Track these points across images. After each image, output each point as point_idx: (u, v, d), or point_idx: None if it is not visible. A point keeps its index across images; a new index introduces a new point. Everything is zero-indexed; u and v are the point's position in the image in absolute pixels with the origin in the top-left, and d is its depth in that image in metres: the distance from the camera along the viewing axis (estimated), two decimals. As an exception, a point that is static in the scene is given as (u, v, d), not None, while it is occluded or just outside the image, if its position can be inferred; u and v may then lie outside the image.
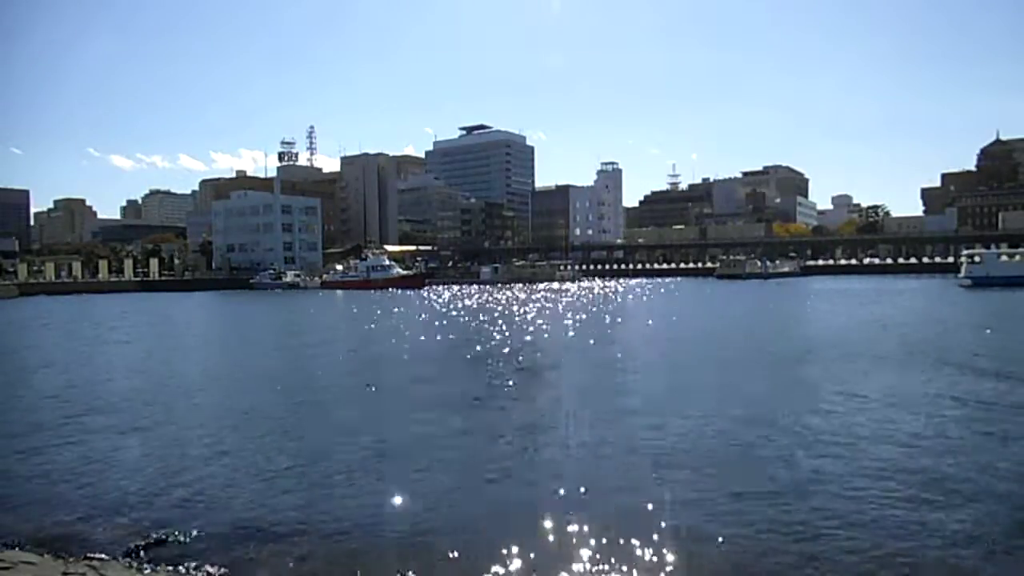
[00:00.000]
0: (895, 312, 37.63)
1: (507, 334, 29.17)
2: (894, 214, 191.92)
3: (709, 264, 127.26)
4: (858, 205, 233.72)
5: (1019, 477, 9.08)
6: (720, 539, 7.22)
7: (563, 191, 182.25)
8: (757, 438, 11.16)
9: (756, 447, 10.68)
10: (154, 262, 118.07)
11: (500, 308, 47.53)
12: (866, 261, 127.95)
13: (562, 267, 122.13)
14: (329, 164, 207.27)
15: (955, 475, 9.12)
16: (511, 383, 17.22)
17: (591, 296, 63.37)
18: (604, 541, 7.18)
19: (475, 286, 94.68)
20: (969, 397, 14.08)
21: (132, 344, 29.97)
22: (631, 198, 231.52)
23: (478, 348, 24.48)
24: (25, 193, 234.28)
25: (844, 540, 7.14)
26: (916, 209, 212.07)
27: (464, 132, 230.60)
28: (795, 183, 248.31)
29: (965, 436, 11.15)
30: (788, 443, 10.85)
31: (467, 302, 56.43)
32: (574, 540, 7.28)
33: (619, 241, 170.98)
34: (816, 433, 11.36)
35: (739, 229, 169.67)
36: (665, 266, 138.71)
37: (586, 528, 7.51)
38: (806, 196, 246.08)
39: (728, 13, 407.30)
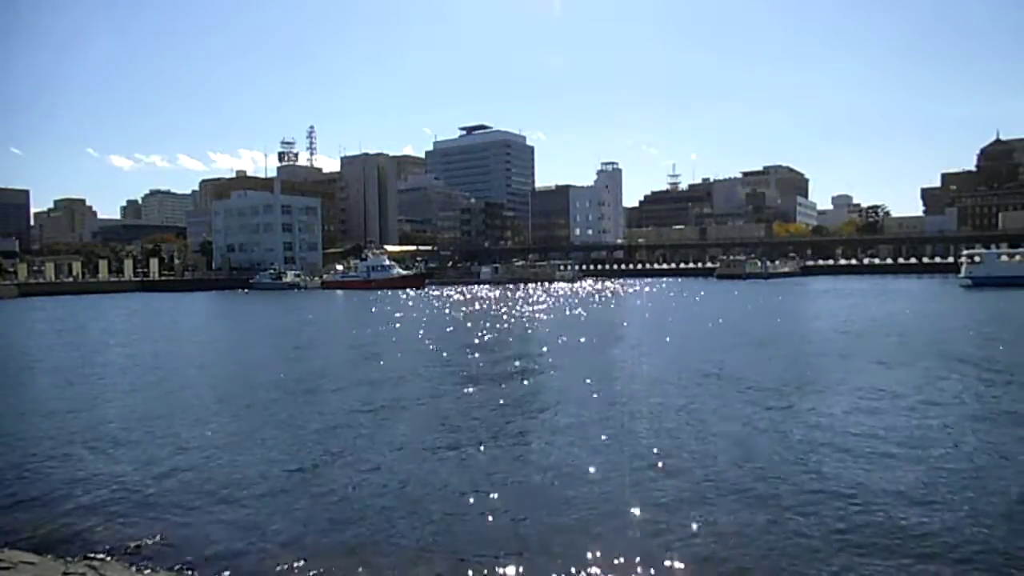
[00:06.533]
0: (898, 312, 37.64)
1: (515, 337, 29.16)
2: (894, 214, 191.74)
3: (709, 264, 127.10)
4: (858, 205, 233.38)
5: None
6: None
7: (563, 191, 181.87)
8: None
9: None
10: (154, 262, 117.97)
11: (507, 310, 47.53)
12: (866, 261, 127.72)
13: (562, 267, 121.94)
14: (329, 164, 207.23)
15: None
16: (523, 389, 17.21)
17: (595, 296, 63.36)
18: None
19: (475, 286, 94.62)
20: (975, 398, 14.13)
21: (131, 345, 29.95)
22: (631, 198, 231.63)
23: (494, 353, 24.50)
24: (25, 193, 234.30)
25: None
26: (916, 209, 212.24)
27: (464, 132, 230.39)
28: (795, 183, 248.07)
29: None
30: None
31: (473, 303, 56.39)
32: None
33: (619, 241, 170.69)
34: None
35: (739, 229, 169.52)
36: (665, 266, 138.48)
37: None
38: (806, 196, 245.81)
39: (727, 13, 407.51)
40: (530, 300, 57.51)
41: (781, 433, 11.63)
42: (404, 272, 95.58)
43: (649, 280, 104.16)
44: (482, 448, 11.19)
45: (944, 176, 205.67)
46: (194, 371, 21.45)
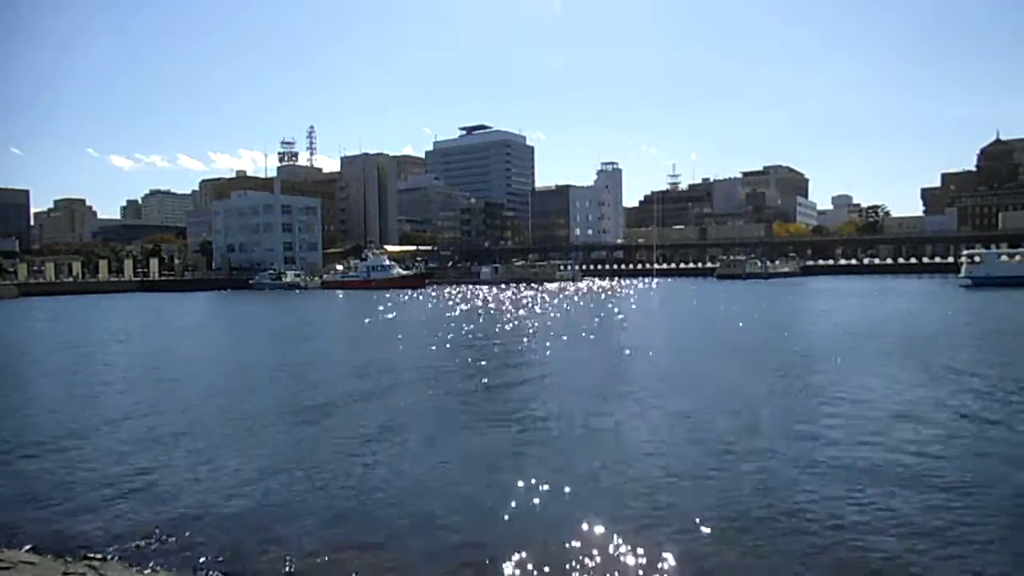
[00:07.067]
0: (896, 312, 37.65)
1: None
2: (894, 214, 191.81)
3: (709, 264, 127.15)
4: (858, 205, 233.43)
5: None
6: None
7: (563, 191, 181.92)
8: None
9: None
10: (154, 262, 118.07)
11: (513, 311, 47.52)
12: (866, 261, 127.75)
13: (562, 267, 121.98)
14: (329, 164, 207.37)
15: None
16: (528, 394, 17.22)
17: (595, 296, 63.38)
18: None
19: (475, 286, 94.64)
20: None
21: (131, 345, 29.97)
22: (631, 198, 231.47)
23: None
24: (25, 193, 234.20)
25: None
26: (916, 209, 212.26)
27: (464, 132, 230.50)
28: (795, 183, 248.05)
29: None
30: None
31: (473, 303, 56.38)
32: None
33: (619, 241, 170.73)
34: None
35: (739, 229, 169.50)
36: (665, 266, 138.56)
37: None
38: (806, 196, 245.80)
39: (727, 13, 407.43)
40: (529, 300, 57.53)
41: (774, 439, 11.63)
42: (404, 272, 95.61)
43: (649, 280, 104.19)
44: (479, 446, 11.21)
45: (944, 176, 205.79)
46: (194, 370, 21.46)
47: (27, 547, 7.25)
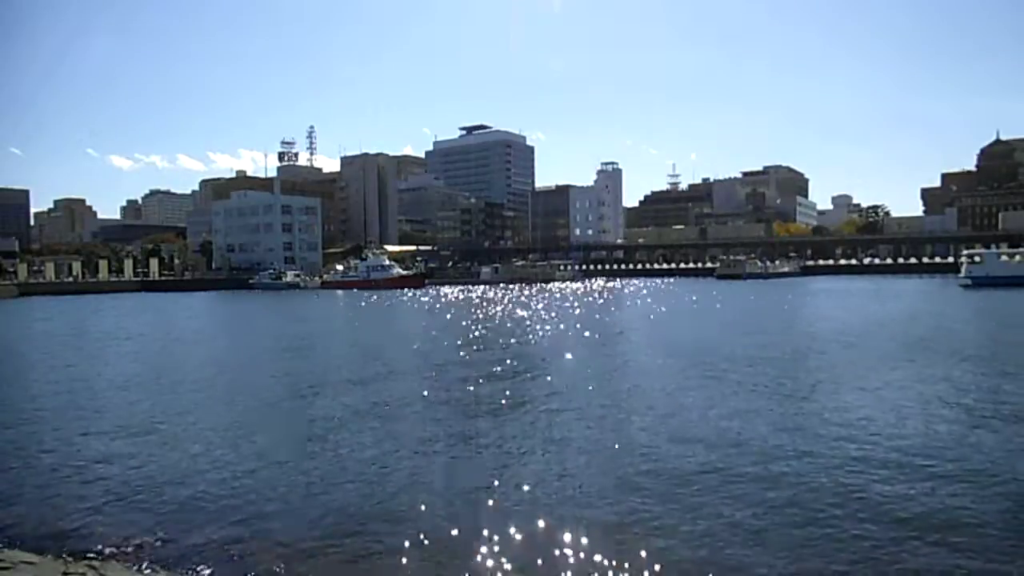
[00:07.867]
0: (896, 312, 37.64)
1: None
2: (894, 214, 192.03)
3: (709, 264, 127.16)
4: (858, 205, 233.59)
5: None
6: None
7: (563, 191, 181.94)
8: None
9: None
10: (154, 262, 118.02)
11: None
12: (866, 261, 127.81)
13: (562, 267, 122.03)
14: (329, 164, 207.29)
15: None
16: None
17: (594, 297, 63.37)
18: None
19: (475, 286, 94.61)
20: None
21: (130, 345, 29.95)
22: (631, 198, 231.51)
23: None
24: (25, 193, 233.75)
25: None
26: (916, 209, 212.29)
27: (464, 132, 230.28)
28: (795, 183, 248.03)
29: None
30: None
31: (472, 303, 56.35)
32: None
33: (619, 241, 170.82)
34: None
35: (739, 229, 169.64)
36: (665, 266, 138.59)
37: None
38: (806, 196, 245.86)
39: (728, 13, 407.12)
40: (529, 300, 57.53)
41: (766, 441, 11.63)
42: (404, 272, 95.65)
43: (649, 280, 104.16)
44: (473, 446, 11.22)
45: (944, 176, 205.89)
46: (193, 370, 21.44)
47: (27, 547, 7.25)
